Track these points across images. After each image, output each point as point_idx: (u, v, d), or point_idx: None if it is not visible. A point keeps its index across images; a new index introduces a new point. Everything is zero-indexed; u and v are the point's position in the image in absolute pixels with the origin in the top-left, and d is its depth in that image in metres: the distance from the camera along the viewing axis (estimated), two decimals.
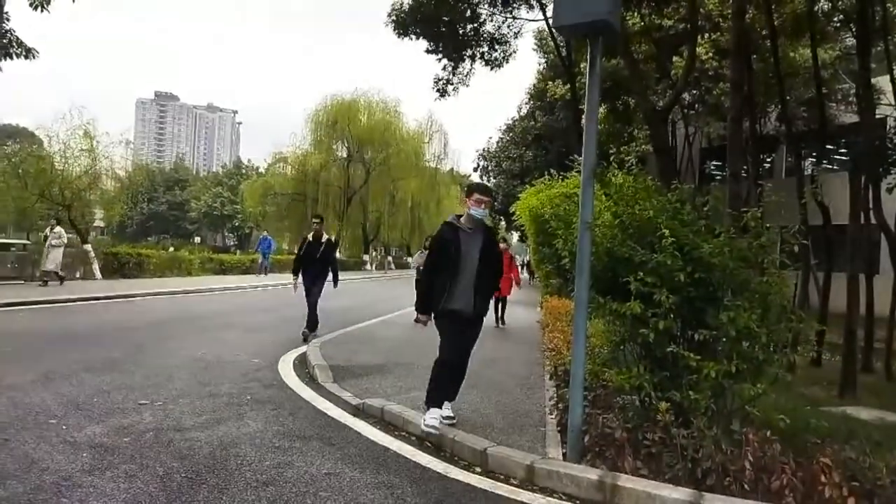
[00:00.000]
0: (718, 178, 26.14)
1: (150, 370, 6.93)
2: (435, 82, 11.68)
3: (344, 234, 43.09)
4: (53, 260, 16.51)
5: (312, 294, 9.82)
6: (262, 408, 5.64)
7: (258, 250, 29.18)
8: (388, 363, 7.88)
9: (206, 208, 78.55)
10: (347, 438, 4.91)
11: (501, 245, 11.92)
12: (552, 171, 20.14)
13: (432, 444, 4.84)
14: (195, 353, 8.13)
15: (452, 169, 52.46)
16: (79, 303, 13.27)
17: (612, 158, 5.62)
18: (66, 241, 17.49)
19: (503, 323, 12.16)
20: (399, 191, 43.37)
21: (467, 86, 11.87)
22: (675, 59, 18.07)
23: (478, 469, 4.38)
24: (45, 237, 17.35)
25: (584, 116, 4.40)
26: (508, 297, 12.79)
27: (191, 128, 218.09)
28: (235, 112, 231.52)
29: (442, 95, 11.73)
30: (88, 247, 20.72)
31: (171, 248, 36.95)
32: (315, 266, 9.83)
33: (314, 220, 10.34)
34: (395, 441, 4.92)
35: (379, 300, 18.18)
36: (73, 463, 3.93)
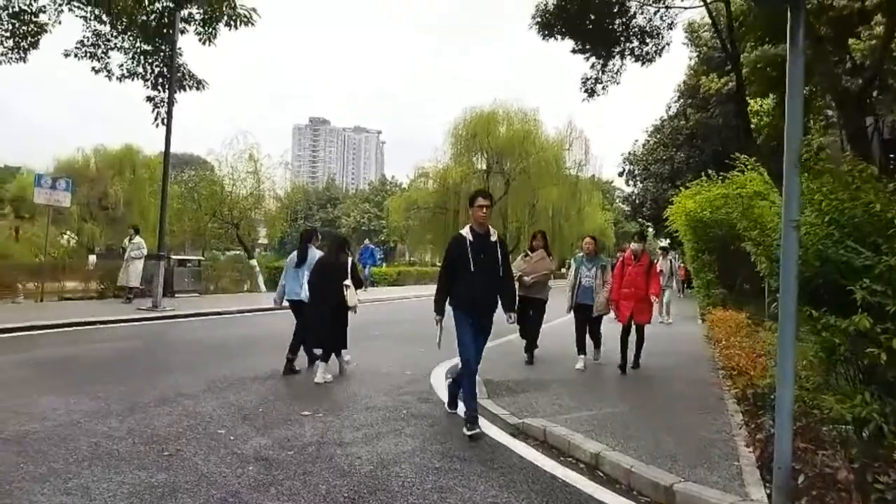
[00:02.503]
0: None
1: (310, 379, 7.03)
2: (583, 82, 11.06)
3: None
4: (134, 273, 14.84)
5: (478, 341, 5.49)
6: (419, 423, 5.44)
7: (359, 262, 25.24)
8: (543, 379, 7.42)
9: (354, 224, 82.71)
10: (509, 462, 4.54)
11: (633, 245, 8.15)
12: (710, 171, 18.62)
13: (605, 473, 4.33)
14: (350, 363, 8.21)
15: (594, 175, 50.68)
16: (246, 315, 14.18)
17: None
18: (146, 252, 15.25)
19: (637, 365, 8.12)
20: (539, 200, 42.57)
21: (618, 83, 11.11)
22: (850, 41, 15.99)
23: None
24: (124, 249, 15.49)
25: (786, 97, 3.71)
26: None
27: (340, 149, 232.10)
28: (379, 132, 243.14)
29: (590, 95, 11.08)
30: (254, 262, 22.33)
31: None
32: (485, 283, 5.38)
33: (480, 199, 5.53)
34: (561, 467, 4.47)
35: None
36: (239, 478, 3.91)
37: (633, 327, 8.04)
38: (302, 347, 7.70)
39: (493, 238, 5.58)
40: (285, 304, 8.09)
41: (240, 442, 4.66)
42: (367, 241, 27.22)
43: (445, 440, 4.97)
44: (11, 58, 15.26)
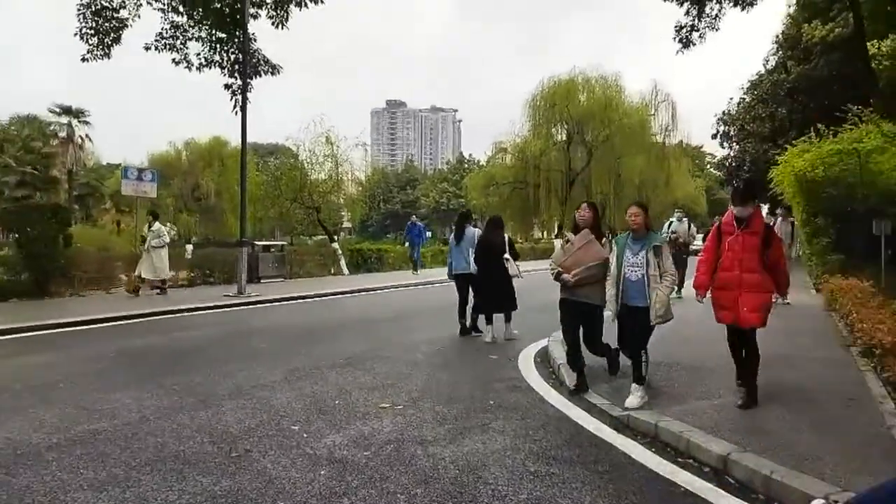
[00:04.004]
0: None
1: (390, 367, 6.62)
2: (677, 31, 9.93)
3: (566, 220, 41.75)
4: (150, 264, 13.25)
5: None
6: (508, 417, 4.87)
7: (406, 240, 22.37)
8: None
9: (434, 204, 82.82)
10: (616, 464, 3.90)
11: (736, 208, 5.00)
12: (819, 126, 16.80)
13: (737, 480, 3.60)
14: (433, 348, 7.76)
15: (682, 141, 47.89)
16: (328, 298, 14.07)
17: None
18: (168, 240, 13.78)
19: (751, 399, 4.88)
20: (624, 169, 40.58)
21: (717, 30, 9.88)
22: None
23: None
24: (143, 238, 13.76)
25: None
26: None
27: (417, 130, 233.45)
28: (455, 111, 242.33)
29: (685, 46, 9.94)
30: (336, 245, 22.39)
31: (406, 244, 39.06)
32: None
33: None
34: (680, 471, 3.78)
35: None
36: (310, 484, 3.48)
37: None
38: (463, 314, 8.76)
39: None
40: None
41: (313, 440, 4.25)
42: (413, 218, 23.46)
43: (539, 437, 4.38)
44: (96, 55, 15.71)
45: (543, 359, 7.10)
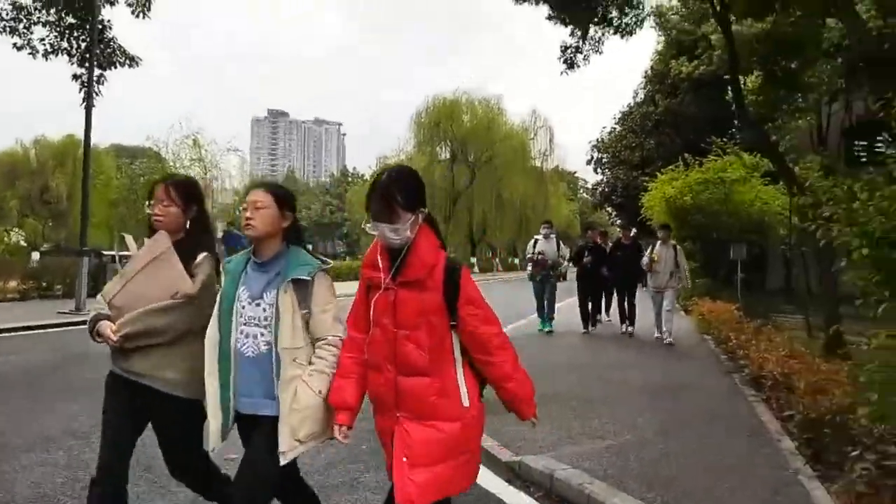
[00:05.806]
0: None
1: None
2: (562, 51, 9.85)
3: (448, 239, 41.99)
4: None
5: None
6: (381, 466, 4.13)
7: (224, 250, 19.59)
8: (538, 392, 6.13)
9: (316, 217, 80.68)
10: None
11: (375, 225, 2.15)
12: (685, 156, 17.75)
13: None
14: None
15: (558, 166, 50.01)
16: None
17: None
18: None
19: None
20: (505, 190, 41.72)
21: (600, 53, 9.93)
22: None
23: None
24: None
25: None
26: None
27: (300, 142, 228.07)
28: (340, 124, 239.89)
29: (570, 67, 9.88)
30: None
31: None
32: None
33: None
34: None
35: (500, 305, 16.49)
36: None
37: None
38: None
39: None
40: None
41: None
42: (228, 224, 19.48)
43: None
44: None
45: None
